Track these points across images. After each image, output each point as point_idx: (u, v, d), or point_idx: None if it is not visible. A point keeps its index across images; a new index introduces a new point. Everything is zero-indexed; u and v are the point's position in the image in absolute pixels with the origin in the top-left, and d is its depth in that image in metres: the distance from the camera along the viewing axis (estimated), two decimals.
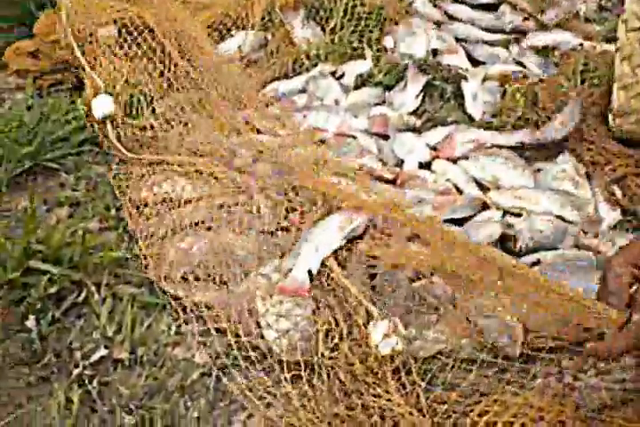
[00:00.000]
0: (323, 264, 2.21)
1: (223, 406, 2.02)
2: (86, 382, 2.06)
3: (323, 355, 1.97)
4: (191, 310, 2.19)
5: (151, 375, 2.08)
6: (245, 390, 1.98)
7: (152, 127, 2.76)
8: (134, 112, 2.83)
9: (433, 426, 1.87)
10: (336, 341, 2.02)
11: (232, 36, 3.34)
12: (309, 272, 2.17)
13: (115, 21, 2.98)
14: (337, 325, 2.04)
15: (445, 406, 1.90)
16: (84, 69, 2.89)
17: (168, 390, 2.05)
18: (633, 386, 1.91)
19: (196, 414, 2.00)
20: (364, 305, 2.06)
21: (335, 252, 2.24)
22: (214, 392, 2.04)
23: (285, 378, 1.98)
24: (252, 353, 2.06)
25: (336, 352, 1.99)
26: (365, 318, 2.03)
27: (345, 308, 2.09)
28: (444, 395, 1.93)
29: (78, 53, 2.91)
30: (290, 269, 2.19)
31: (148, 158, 2.67)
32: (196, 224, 2.37)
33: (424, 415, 1.88)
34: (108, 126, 2.76)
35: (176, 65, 2.95)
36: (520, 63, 3.26)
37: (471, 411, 1.88)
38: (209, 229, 2.37)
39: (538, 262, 2.29)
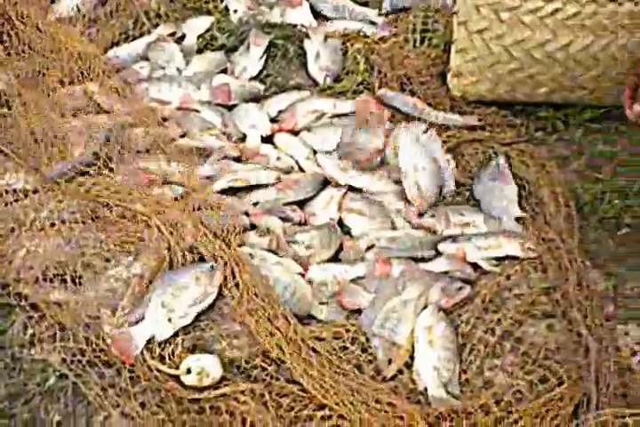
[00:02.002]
0: None
1: (82, 407, 2.14)
2: None
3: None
4: (42, 315, 2.24)
5: (10, 381, 2.16)
6: (100, 395, 2.10)
7: None
8: None
9: (277, 419, 2.05)
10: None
11: None
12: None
13: None
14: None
15: (288, 400, 2.08)
16: None
17: (28, 395, 2.14)
18: None
19: (57, 418, 2.12)
20: None
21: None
22: (72, 395, 2.15)
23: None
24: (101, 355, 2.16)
25: None
26: None
27: None
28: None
29: None
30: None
31: None
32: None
33: (268, 409, 2.06)
34: None
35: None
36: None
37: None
38: (53, 225, 2.39)
39: (372, 246, 2.40)
